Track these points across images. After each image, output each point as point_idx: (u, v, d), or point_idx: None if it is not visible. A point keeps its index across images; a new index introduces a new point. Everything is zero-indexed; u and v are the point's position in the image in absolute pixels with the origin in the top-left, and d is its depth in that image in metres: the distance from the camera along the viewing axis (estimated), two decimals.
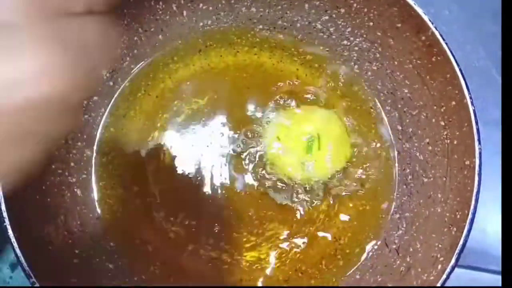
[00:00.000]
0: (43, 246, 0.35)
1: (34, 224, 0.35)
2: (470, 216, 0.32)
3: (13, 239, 0.32)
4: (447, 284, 0.45)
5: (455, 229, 0.33)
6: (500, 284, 0.44)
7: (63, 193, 0.39)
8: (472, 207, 0.32)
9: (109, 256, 0.39)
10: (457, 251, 0.31)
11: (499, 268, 0.45)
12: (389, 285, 0.36)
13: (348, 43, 0.43)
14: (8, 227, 0.32)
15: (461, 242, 0.31)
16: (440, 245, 0.34)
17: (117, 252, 0.39)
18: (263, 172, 0.41)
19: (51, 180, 0.38)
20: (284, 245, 0.39)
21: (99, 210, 0.40)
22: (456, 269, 0.45)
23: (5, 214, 0.32)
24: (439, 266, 0.32)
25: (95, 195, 0.41)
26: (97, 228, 0.40)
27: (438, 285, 0.31)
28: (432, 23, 0.36)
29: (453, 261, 0.31)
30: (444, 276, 0.31)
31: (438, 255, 0.33)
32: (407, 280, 0.35)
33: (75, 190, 0.40)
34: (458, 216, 0.33)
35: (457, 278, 0.45)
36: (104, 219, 0.40)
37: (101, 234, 0.39)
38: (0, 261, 0.44)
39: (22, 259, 0.32)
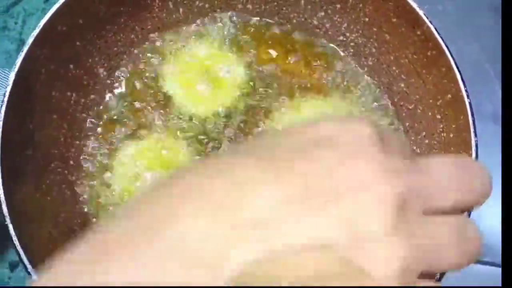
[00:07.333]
0: (45, 244, 0.35)
1: (35, 223, 0.35)
2: None
3: (14, 238, 0.32)
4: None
5: None
6: (495, 275, 0.45)
7: (63, 191, 0.39)
8: None
9: None
10: None
11: (492, 259, 0.46)
12: None
13: (344, 39, 0.43)
14: (10, 225, 0.32)
15: None
16: None
17: None
18: None
19: (51, 179, 0.38)
20: None
21: None
22: None
23: (5, 212, 0.32)
24: None
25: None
26: None
27: None
28: (427, 18, 0.36)
29: None
30: None
31: None
32: None
33: (75, 188, 0.40)
34: None
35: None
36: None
37: None
38: None
39: (23, 257, 0.32)
